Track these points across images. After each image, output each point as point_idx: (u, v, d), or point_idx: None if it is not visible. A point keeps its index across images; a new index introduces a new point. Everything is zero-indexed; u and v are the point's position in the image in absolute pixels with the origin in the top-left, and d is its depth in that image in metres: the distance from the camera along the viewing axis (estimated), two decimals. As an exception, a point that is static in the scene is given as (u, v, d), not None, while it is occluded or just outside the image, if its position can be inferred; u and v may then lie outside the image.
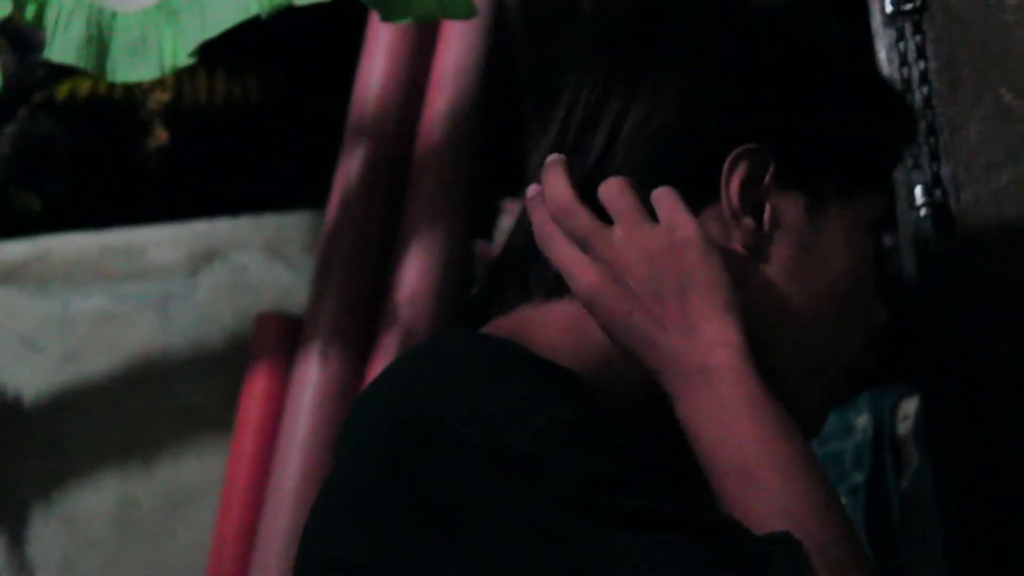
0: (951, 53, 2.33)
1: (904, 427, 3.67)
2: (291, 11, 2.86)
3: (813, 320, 1.83)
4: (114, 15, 2.88)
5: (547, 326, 1.80)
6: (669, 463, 1.66)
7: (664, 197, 1.73)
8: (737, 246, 1.78)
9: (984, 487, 2.29)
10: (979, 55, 2.32)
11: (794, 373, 1.80)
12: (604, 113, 1.84)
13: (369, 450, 1.64)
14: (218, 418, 4.45)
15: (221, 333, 4.56)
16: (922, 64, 2.35)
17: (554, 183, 1.74)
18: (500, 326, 1.81)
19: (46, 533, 4.53)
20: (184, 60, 2.90)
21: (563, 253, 1.74)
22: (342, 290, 4.37)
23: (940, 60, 2.33)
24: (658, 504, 1.53)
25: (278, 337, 4.43)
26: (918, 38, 2.36)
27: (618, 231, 1.72)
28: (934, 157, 2.33)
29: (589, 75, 1.88)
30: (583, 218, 1.72)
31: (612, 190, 1.73)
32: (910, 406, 3.62)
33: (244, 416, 4.40)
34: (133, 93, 4.98)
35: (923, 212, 2.34)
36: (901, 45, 2.37)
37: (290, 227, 4.65)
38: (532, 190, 1.81)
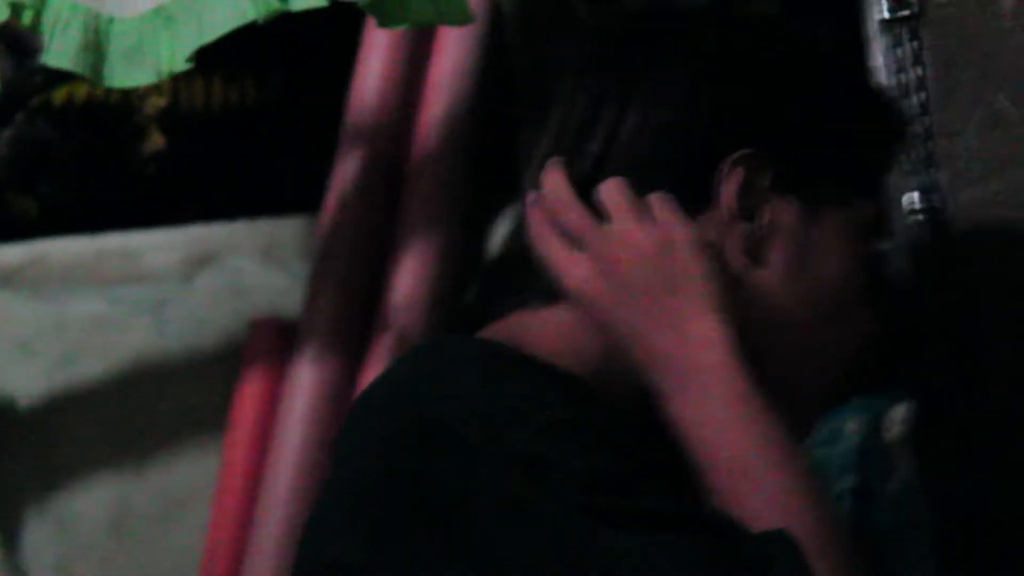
0: (947, 59, 2.34)
1: (893, 433, 3.68)
2: (287, 16, 2.86)
3: (808, 322, 1.87)
4: (111, 20, 2.89)
5: (545, 330, 1.83)
6: (667, 463, 1.69)
7: (660, 200, 1.77)
8: (734, 250, 1.82)
9: (976, 494, 2.29)
10: (975, 61, 2.33)
11: (789, 374, 1.84)
12: (601, 117, 1.87)
13: (368, 450, 1.68)
14: (213, 421, 4.44)
15: (216, 337, 4.56)
16: (918, 70, 2.35)
17: (553, 183, 1.78)
18: (498, 330, 1.85)
19: (40, 536, 4.53)
20: (181, 65, 2.92)
21: (556, 251, 1.77)
22: (337, 295, 4.36)
23: (936, 66, 2.34)
24: (657, 504, 1.56)
25: (272, 341, 4.42)
26: (914, 44, 2.36)
27: (613, 228, 1.75)
28: (930, 162, 2.34)
29: (585, 79, 1.93)
30: (578, 214, 1.77)
31: (610, 189, 1.77)
32: (900, 412, 3.63)
33: (238, 419, 4.39)
34: (130, 98, 4.96)
35: (920, 217, 2.34)
36: (898, 51, 2.38)
37: (285, 232, 4.65)
38: (531, 196, 1.82)
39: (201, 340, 4.56)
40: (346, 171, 4.49)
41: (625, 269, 1.74)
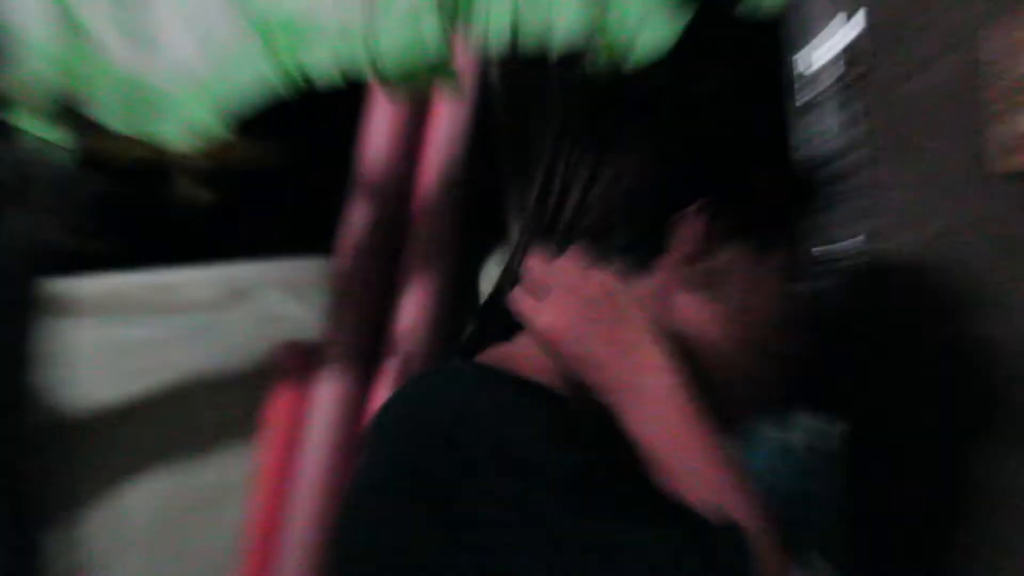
0: (882, 122, 2.33)
1: (816, 439, 3.71)
2: (309, 90, 2.86)
3: (748, 343, 1.91)
4: (160, 91, 2.89)
5: (529, 356, 1.88)
6: (628, 457, 1.75)
7: (595, 268, 1.86)
8: (688, 286, 1.86)
9: (884, 489, 2.30)
10: (885, 136, 2.33)
11: (732, 384, 1.89)
12: (575, 179, 1.91)
13: (389, 453, 1.73)
14: (248, 428, 4.45)
15: (250, 357, 4.56)
16: (845, 138, 2.35)
17: (532, 263, 1.86)
18: (491, 356, 1.90)
19: (98, 526, 4.52)
20: (219, 130, 2.93)
21: (524, 303, 1.84)
22: (352, 323, 4.38)
23: (859, 135, 2.34)
24: (624, 492, 1.63)
25: (298, 361, 4.44)
26: (854, 109, 2.36)
27: (566, 284, 1.83)
28: (873, 211, 2.35)
29: (562, 146, 1.95)
30: (543, 273, 1.83)
31: (561, 261, 1.87)
32: (821, 418, 3.66)
33: (270, 426, 4.41)
34: (178, 157, 4.98)
35: (863, 258, 2.35)
36: (828, 122, 2.37)
37: (308, 270, 4.66)
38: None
39: (238, 360, 4.56)
40: (358, 219, 4.51)
41: (581, 310, 1.80)
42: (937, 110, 2.31)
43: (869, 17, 2.36)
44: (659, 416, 1.75)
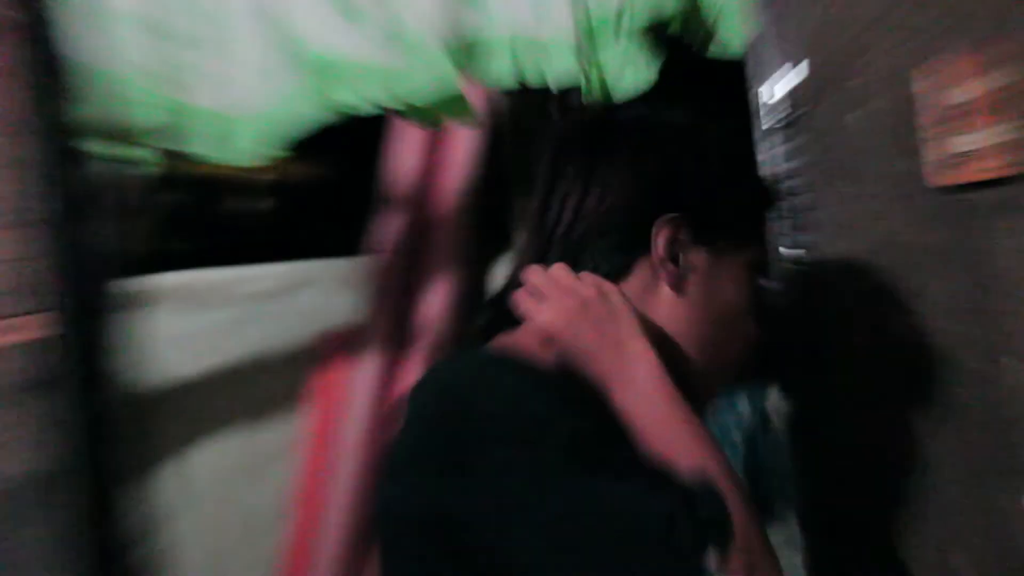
0: (811, 156, 2.34)
1: (769, 406, 3.75)
2: (354, 116, 2.90)
3: (714, 331, 1.95)
4: (233, 120, 2.91)
5: (531, 344, 1.92)
6: (617, 430, 1.80)
7: (586, 274, 1.90)
8: (663, 284, 1.91)
9: (824, 446, 2.31)
10: (829, 157, 2.34)
11: (701, 365, 1.92)
12: (569, 195, 1.96)
13: (424, 421, 1.77)
14: (297, 402, 4.47)
15: (300, 341, 4.58)
16: (792, 163, 2.35)
17: (532, 270, 1.90)
18: (503, 342, 1.94)
19: (174, 483, 4.53)
20: (281, 151, 2.94)
21: (527, 305, 1.88)
22: (385, 312, 4.39)
23: (804, 161, 2.34)
24: (616, 457, 1.68)
25: (339, 345, 4.46)
26: (789, 145, 2.36)
27: (563, 287, 1.88)
28: (799, 228, 2.35)
29: (556, 169, 2.00)
30: (542, 282, 1.87)
31: (556, 268, 1.91)
32: (774, 393, 3.69)
33: (317, 400, 4.44)
34: (248, 171, 4.99)
35: (792, 265, 2.35)
36: (778, 150, 2.37)
37: (349, 267, 4.66)
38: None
39: (291, 343, 4.56)
40: (389, 225, 4.52)
41: (575, 310, 1.84)
42: (874, 137, 2.32)
43: (811, 65, 2.36)
44: (644, 398, 1.79)
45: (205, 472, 4.55)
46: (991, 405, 2.19)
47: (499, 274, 4.47)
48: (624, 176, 1.96)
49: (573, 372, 1.87)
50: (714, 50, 2.82)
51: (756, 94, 2.43)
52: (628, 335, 1.84)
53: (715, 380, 2.02)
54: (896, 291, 2.29)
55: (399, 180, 4.53)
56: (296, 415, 4.45)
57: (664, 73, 2.79)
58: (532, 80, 2.88)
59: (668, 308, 1.93)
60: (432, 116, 3.06)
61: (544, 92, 3.76)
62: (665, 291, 1.93)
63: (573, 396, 1.81)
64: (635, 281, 1.95)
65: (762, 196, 2.15)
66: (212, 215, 5.07)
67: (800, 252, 2.34)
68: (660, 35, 2.79)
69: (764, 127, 2.40)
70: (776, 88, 2.39)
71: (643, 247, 1.94)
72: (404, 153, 4.54)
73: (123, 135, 2.97)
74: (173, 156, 4.50)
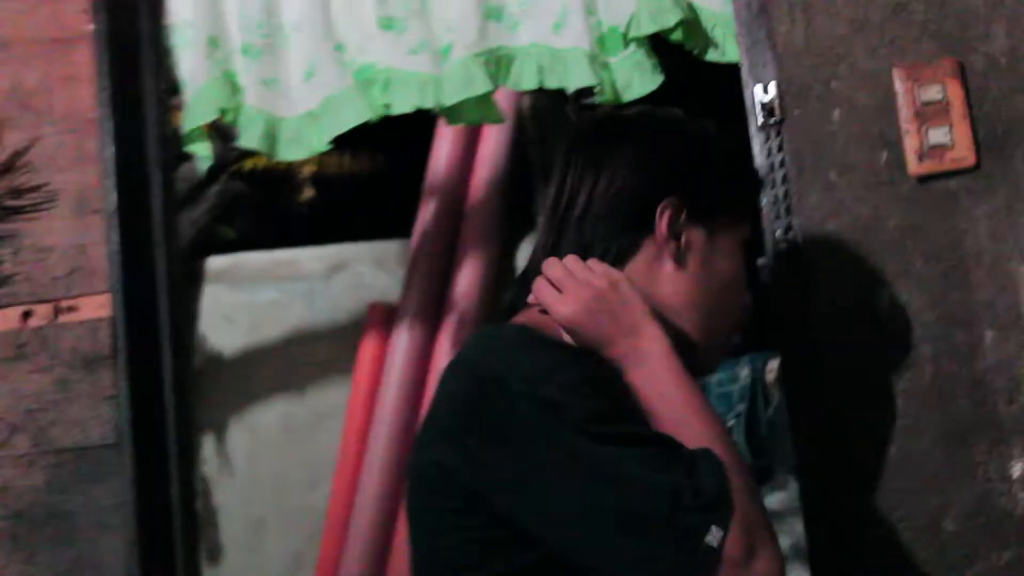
0: (798, 149, 2.34)
1: (770, 377, 3.69)
2: (391, 116, 2.87)
3: (712, 302, 1.93)
4: (280, 119, 2.89)
5: (552, 322, 1.88)
6: (630, 403, 1.78)
7: (595, 262, 1.86)
8: (667, 260, 1.89)
9: (820, 415, 2.29)
10: (815, 150, 2.33)
11: (701, 334, 1.91)
12: (583, 183, 1.93)
13: (457, 394, 1.80)
14: (345, 367, 4.45)
15: (346, 315, 4.56)
16: (781, 156, 2.35)
17: (549, 263, 1.86)
18: (528, 317, 1.91)
19: (238, 438, 4.52)
20: (323, 147, 2.91)
21: (547, 295, 1.84)
22: (421, 289, 4.37)
23: (792, 154, 2.34)
24: (629, 429, 1.66)
25: (381, 318, 4.43)
26: (778, 140, 2.36)
27: (578, 279, 1.83)
28: (788, 212, 2.34)
29: (571, 160, 1.98)
30: (558, 272, 1.83)
31: (568, 260, 1.86)
32: (774, 363, 3.63)
33: (360, 366, 4.41)
34: (292, 165, 4.98)
35: (782, 246, 2.35)
36: (768, 144, 2.37)
37: (390, 249, 4.65)
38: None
39: (337, 317, 4.56)
40: (427, 211, 4.50)
41: (593, 301, 1.80)
42: (858, 130, 2.32)
43: (800, 66, 2.36)
44: (656, 375, 1.78)
45: (268, 427, 4.54)
46: (977, 377, 2.19)
47: (524, 255, 4.43)
48: (630, 165, 1.94)
49: (592, 351, 1.84)
50: (712, 55, 2.79)
51: (751, 93, 2.40)
52: (640, 319, 1.81)
53: (714, 345, 1.98)
54: (882, 270, 2.27)
55: (436, 171, 4.51)
56: (343, 381, 4.44)
57: (669, 76, 2.80)
58: (551, 84, 2.84)
59: (672, 282, 1.90)
60: (462, 116, 3.03)
61: (562, 95, 3.72)
62: (669, 266, 1.90)
63: (591, 371, 1.77)
64: (641, 259, 1.92)
65: (751, 180, 2.15)
66: (270, 203, 5.07)
67: (792, 234, 2.32)
68: (664, 43, 2.80)
69: (759, 122, 2.38)
70: (769, 87, 2.37)
71: (648, 227, 1.91)
72: (441, 148, 4.52)
73: (181, 133, 2.95)
74: (226, 151, 4.53)
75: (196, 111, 2.91)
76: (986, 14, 2.28)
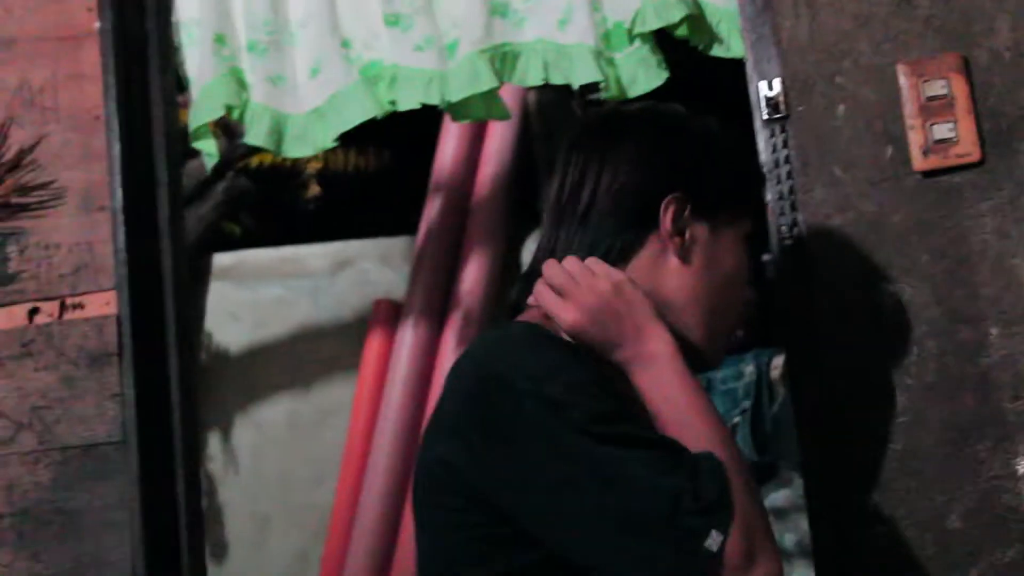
0: (803, 145, 2.33)
1: (775, 373, 3.68)
2: (396, 112, 2.87)
3: (716, 297, 1.94)
4: (287, 116, 2.89)
5: None
6: (638, 404, 1.79)
7: (594, 261, 1.86)
8: (671, 255, 1.89)
9: (824, 412, 2.28)
10: (820, 146, 2.32)
11: (705, 329, 1.91)
12: (586, 179, 1.94)
13: (463, 391, 1.81)
14: (350, 364, 4.47)
15: (351, 312, 4.58)
16: (786, 152, 2.35)
17: (549, 266, 1.85)
18: (534, 315, 1.90)
19: (243, 434, 4.53)
20: (329, 144, 2.92)
21: (551, 301, 1.84)
22: (426, 286, 4.38)
23: (797, 149, 2.34)
24: (632, 431, 1.66)
25: (387, 314, 4.44)
26: (783, 135, 2.36)
27: (581, 285, 1.83)
28: (793, 208, 2.34)
29: (575, 155, 1.98)
30: (561, 278, 1.82)
31: (569, 263, 1.85)
32: (779, 360, 3.63)
33: (366, 363, 4.43)
34: (297, 162, 4.99)
35: (787, 242, 2.35)
36: (774, 140, 2.37)
37: (395, 246, 4.66)
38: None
39: (342, 314, 4.57)
40: (433, 208, 4.51)
41: (597, 307, 1.81)
42: (863, 125, 2.32)
43: (804, 62, 2.36)
44: (662, 378, 1.78)
45: (273, 424, 4.56)
46: (982, 373, 2.18)
47: (529, 251, 4.44)
48: (634, 161, 1.94)
49: (596, 351, 1.85)
50: (717, 50, 2.80)
51: (756, 88, 2.40)
52: (645, 321, 1.82)
53: (718, 340, 1.98)
54: (887, 266, 2.27)
55: (442, 167, 4.53)
56: (348, 377, 4.45)
57: (674, 72, 2.80)
58: (557, 80, 2.85)
59: (676, 277, 1.91)
60: (468, 112, 3.02)
61: (568, 91, 3.73)
62: (673, 262, 1.90)
63: (597, 371, 1.78)
64: (645, 255, 1.92)
65: (754, 176, 2.16)
66: (275, 200, 5.09)
67: (797, 230, 2.32)
68: (670, 38, 2.80)
69: (763, 118, 2.38)
70: (773, 83, 2.37)
71: (652, 223, 1.91)
72: (446, 144, 4.54)
73: (187, 130, 2.95)
74: (232, 148, 4.54)
75: (203, 108, 2.90)
76: (991, 9, 2.28)
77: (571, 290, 1.83)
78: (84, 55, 2.85)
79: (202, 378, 4.34)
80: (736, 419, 3.67)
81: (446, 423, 1.82)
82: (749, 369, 3.76)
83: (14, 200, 2.78)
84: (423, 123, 3.90)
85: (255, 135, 2.90)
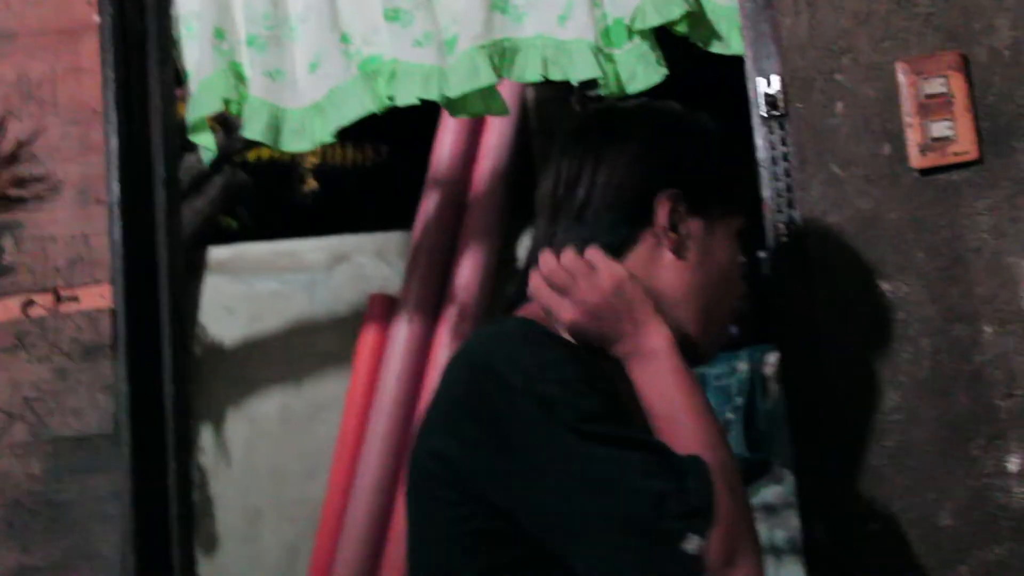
0: (801, 142, 2.34)
1: (769, 370, 3.69)
2: (394, 108, 2.87)
3: (710, 292, 1.95)
4: (285, 110, 2.89)
5: None
6: (628, 403, 1.80)
7: (595, 253, 1.86)
8: (666, 251, 1.90)
9: (818, 409, 2.29)
10: (818, 143, 2.33)
11: (699, 324, 1.92)
12: (582, 175, 1.94)
13: (457, 385, 1.82)
14: (344, 358, 4.47)
15: (347, 306, 4.57)
16: (784, 149, 2.35)
17: (546, 260, 1.85)
18: (529, 310, 1.92)
19: (236, 428, 4.54)
20: (327, 138, 2.92)
21: (550, 298, 1.86)
22: (422, 281, 4.38)
23: (795, 146, 2.34)
24: (621, 431, 1.67)
25: (382, 309, 4.44)
26: (781, 132, 2.37)
27: (580, 281, 1.84)
28: (790, 205, 2.35)
29: (570, 153, 1.99)
30: (561, 275, 1.84)
31: (567, 258, 1.86)
32: (773, 357, 3.64)
33: (360, 357, 4.42)
34: (295, 157, 5.00)
35: (783, 238, 2.35)
36: (772, 137, 2.37)
37: (391, 241, 4.66)
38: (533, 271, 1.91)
39: (338, 308, 4.57)
40: (429, 203, 4.51)
41: (597, 303, 1.83)
42: (861, 123, 2.33)
43: (803, 59, 2.36)
44: (659, 374, 1.80)
45: (266, 418, 4.57)
46: (975, 371, 2.19)
47: (526, 247, 4.44)
48: (629, 158, 1.95)
49: (592, 348, 1.87)
50: (717, 47, 2.80)
51: (755, 85, 2.40)
52: (645, 316, 1.84)
53: (712, 335, 1.99)
54: (883, 263, 2.27)
55: (439, 162, 4.53)
56: (343, 371, 4.45)
57: (673, 69, 2.81)
58: (556, 76, 2.84)
59: (671, 273, 1.92)
60: (466, 108, 3.01)
61: (567, 87, 3.73)
62: (668, 257, 1.92)
63: (591, 368, 1.79)
64: (641, 250, 1.93)
65: (748, 172, 2.19)
66: (272, 194, 5.11)
67: (794, 227, 2.33)
68: (669, 35, 2.80)
69: (762, 115, 2.38)
70: (772, 80, 2.38)
71: (647, 220, 1.92)
72: (444, 139, 4.53)
73: (185, 123, 2.94)
74: (230, 142, 4.55)
75: (201, 102, 2.91)
76: (990, 7, 2.28)
77: (570, 287, 1.84)
78: (83, 49, 2.86)
79: (196, 371, 4.36)
80: (729, 415, 3.68)
81: (440, 417, 1.84)
82: (743, 366, 3.78)
83: (11, 192, 2.79)
84: (421, 118, 3.90)
85: (253, 129, 2.90)
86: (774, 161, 2.38)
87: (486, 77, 2.81)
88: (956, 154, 2.25)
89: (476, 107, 3.02)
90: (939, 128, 2.26)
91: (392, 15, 2.87)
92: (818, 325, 2.30)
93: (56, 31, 2.87)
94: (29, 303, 2.75)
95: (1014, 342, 2.18)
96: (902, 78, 2.30)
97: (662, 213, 1.91)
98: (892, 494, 2.22)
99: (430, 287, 4.39)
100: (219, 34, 2.92)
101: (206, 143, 2.98)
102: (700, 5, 2.79)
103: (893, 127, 2.30)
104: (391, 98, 2.87)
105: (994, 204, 2.23)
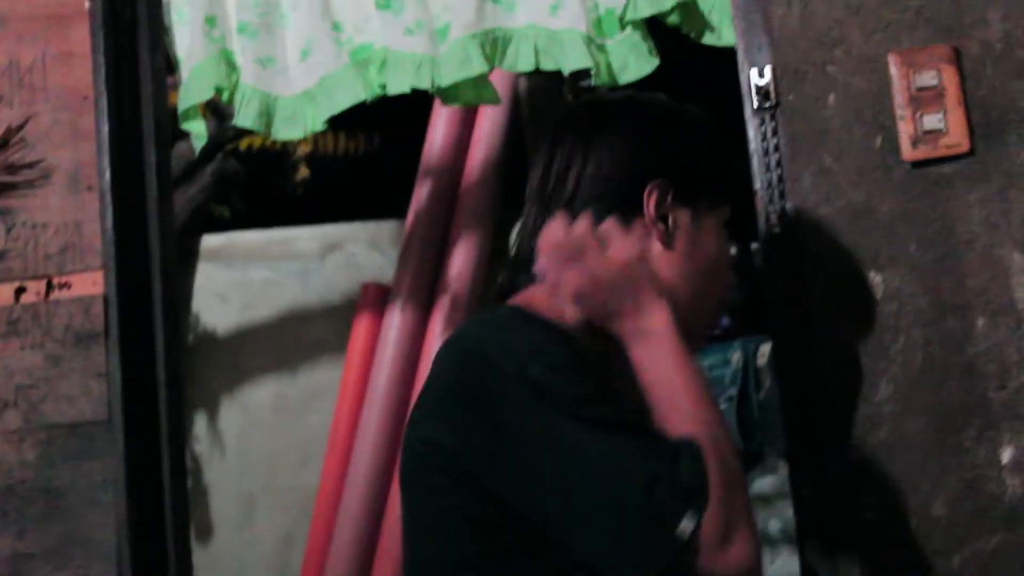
0: (793, 133, 2.34)
1: (761, 361, 3.69)
2: (386, 96, 2.87)
3: (699, 281, 1.97)
4: (277, 98, 2.89)
5: (547, 301, 1.90)
6: (622, 387, 1.82)
7: (610, 227, 1.87)
8: (655, 241, 1.92)
9: (810, 399, 2.29)
10: (810, 135, 2.33)
11: (688, 313, 1.89)
12: (572, 165, 1.95)
13: (449, 372, 1.84)
14: (337, 347, 4.47)
15: (340, 295, 4.57)
16: (775, 140, 2.35)
17: (558, 226, 1.86)
18: (520, 298, 1.93)
19: (229, 416, 4.53)
20: (319, 126, 2.93)
21: (554, 272, 1.85)
22: (414, 270, 4.37)
23: (787, 138, 2.34)
24: (614, 414, 1.68)
25: (375, 298, 4.44)
26: (773, 124, 2.36)
27: (590, 255, 1.84)
28: (782, 196, 2.34)
29: (559, 143, 2.00)
30: (570, 247, 1.83)
31: (579, 228, 1.85)
32: (766, 347, 3.64)
33: (353, 346, 4.42)
34: (287, 145, 4.99)
35: (775, 230, 2.35)
36: (763, 128, 2.38)
37: (384, 230, 4.66)
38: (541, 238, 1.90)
39: (330, 297, 4.57)
40: (421, 192, 4.50)
41: (605, 276, 1.83)
42: (853, 115, 2.33)
43: (795, 51, 2.36)
44: (658, 354, 1.80)
45: (259, 406, 4.56)
46: (968, 363, 2.20)
47: (515, 234, 4.44)
48: (618, 149, 1.96)
49: (584, 329, 1.87)
50: (709, 38, 2.81)
51: (747, 76, 2.40)
52: (649, 298, 1.84)
53: (700, 325, 2.01)
54: (875, 255, 2.27)
55: (432, 151, 4.52)
56: (335, 360, 4.45)
57: (664, 59, 2.81)
58: (547, 66, 2.85)
59: (659, 262, 1.92)
60: (458, 97, 3.02)
61: (558, 76, 3.73)
62: (656, 247, 1.93)
63: (582, 353, 1.80)
64: (633, 237, 1.93)
65: (735, 163, 2.17)
66: (264, 182, 5.10)
67: (785, 218, 2.32)
68: (661, 26, 2.80)
69: (754, 106, 2.38)
70: (764, 71, 2.37)
71: (635, 210, 1.93)
72: (436, 128, 4.53)
73: (177, 111, 2.95)
74: (222, 130, 4.54)
75: (192, 89, 2.91)
76: (982, 0, 2.28)
77: (580, 255, 1.85)
78: (74, 34, 2.84)
79: (189, 359, 4.34)
80: (722, 406, 3.68)
81: (432, 404, 1.85)
82: (736, 356, 3.78)
83: (2, 179, 2.78)
84: (413, 107, 3.90)
85: (245, 117, 2.90)
86: (766, 152, 2.38)
87: (478, 66, 2.82)
88: (948, 147, 2.25)
89: (468, 96, 3.03)
90: (931, 120, 2.25)
91: (383, 3, 2.88)
92: (810, 316, 2.30)
93: (46, 16, 2.86)
94: (21, 290, 2.75)
95: (1006, 334, 2.18)
96: (894, 70, 2.29)
97: (650, 204, 1.92)
98: (885, 485, 2.22)
99: (423, 276, 4.39)
100: (210, 21, 2.92)
101: (197, 130, 2.99)
102: (692, -6, 2.77)
103: (885, 119, 2.29)
104: (383, 86, 2.87)
105: (986, 196, 2.23)
